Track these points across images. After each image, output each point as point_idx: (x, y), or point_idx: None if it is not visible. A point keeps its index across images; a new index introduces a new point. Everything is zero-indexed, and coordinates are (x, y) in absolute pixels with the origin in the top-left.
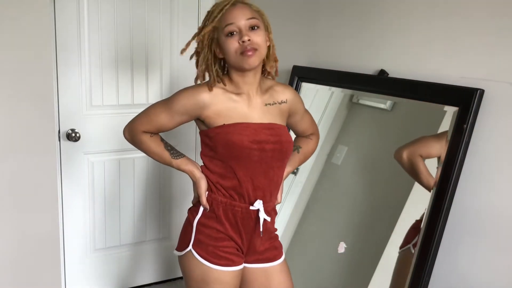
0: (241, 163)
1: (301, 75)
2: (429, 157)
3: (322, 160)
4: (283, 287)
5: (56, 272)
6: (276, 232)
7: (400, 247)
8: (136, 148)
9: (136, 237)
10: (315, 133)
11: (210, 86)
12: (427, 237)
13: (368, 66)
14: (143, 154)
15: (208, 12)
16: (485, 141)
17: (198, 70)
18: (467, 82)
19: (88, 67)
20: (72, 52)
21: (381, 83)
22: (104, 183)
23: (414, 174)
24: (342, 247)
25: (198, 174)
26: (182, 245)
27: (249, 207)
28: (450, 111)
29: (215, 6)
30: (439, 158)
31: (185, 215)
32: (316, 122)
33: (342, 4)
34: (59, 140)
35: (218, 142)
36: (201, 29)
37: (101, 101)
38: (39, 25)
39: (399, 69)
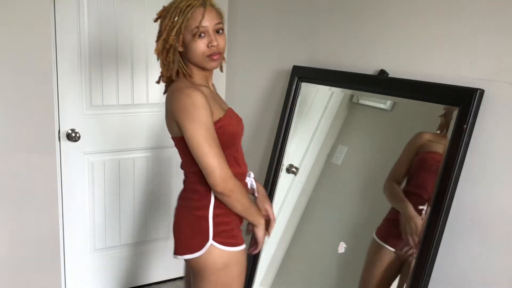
0: (236, 148)
1: (301, 75)
2: (400, 178)
3: (322, 160)
4: None
5: (56, 272)
6: None
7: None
8: (136, 148)
9: (136, 237)
10: None
11: (196, 84)
12: (427, 237)
13: (368, 66)
14: (143, 154)
15: (172, 9)
16: (485, 141)
17: (172, 68)
18: (467, 82)
19: (88, 67)
20: (72, 52)
21: (381, 83)
22: (104, 183)
23: (396, 202)
24: (342, 247)
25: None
26: (197, 244)
27: (245, 181)
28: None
29: (180, 3)
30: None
31: None
32: (316, 122)
33: (342, 4)
34: (59, 140)
35: (224, 135)
36: (172, 27)
37: (101, 101)
38: (39, 25)
39: (399, 69)
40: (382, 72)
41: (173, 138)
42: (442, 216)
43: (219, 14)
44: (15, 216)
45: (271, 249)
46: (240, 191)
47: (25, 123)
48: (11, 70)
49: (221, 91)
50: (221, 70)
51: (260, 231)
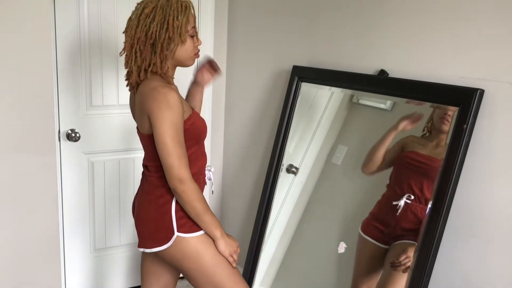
0: (201, 143)
1: (301, 75)
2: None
3: (322, 160)
4: None
5: (56, 272)
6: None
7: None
8: (136, 148)
9: (136, 237)
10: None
11: (169, 82)
12: (427, 237)
13: (368, 66)
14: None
15: (167, 5)
16: (485, 141)
17: (146, 63)
18: (467, 82)
19: (88, 67)
20: (72, 52)
21: (381, 83)
22: (104, 183)
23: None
24: (342, 247)
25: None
26: (164, 237)
27: (204, 174)
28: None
29: (177, 3)
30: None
31: None
32: (316, 122)
33: (342, 4)
34: (59, 140)
35: (196, 129)
36: (179, 26)
37: (101, 101)
38: (39, 25)
39: (399, 69)
40: (382, 72)
41: (141, 134)
42: (442, 216)
43: None
44: (15, 216)
45: (271, 248)
46: (195, 196)
47: (25, 123)
48: (11, 70)
49: (221, 91)
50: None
51: (219, 245)
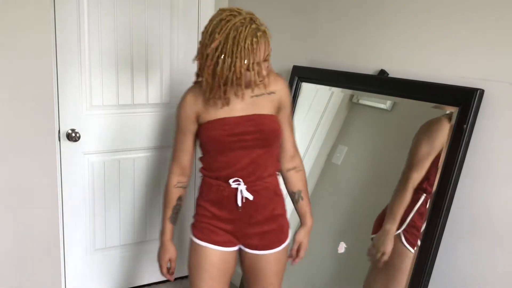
0: (224, 154)
1: (301, 75)
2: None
3: (322, 160)
4: (266, 277)
5: (56, 272)
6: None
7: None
8: (136, 148)
9: (136, 237)
10: (298, 156)
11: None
12: (427, 237)
13: (368, 66)
14: (143, 154)
15: (242, 36)
16: (485, 141)
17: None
18: (467, 82)
19: (88, 67)
20: (72, 52)
21: (381, 83)
22: (104, 183)
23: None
24: (342, 247)
25: (164, 241)
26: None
27: (231, 186)
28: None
29: (251, 36)
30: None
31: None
32: (316, 122)
33: (342, 4)
34: (59, 140)
35: (203, 138)
36: (239, 57)
37: (101, 101)
38: (39, 25)
39: (399, 69)
40: (382, 72)
41: None
42: (442, 216)
43: (269, 43)
44: (15, 216)
45: None
46: (165, 190)
47: (25, 123)
48: (11, 70)
49: None
50: (265, 88)
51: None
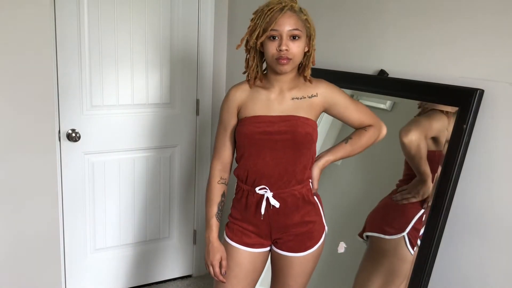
0: (252, 152)
1: None
2: (437, 137)
3: None
4: (286, 278)
5: (56, 272)
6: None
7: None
8: (136, 148)
9: (136, 237)
10: (375, 124)
11: (248, 82)
12: (427, 237)
13: (368, 66)
14: (143, 154)
15: (258, 11)
16: (485, 141)
17: (250, 67)
18: (467, 82)
19: (88, 67)
20: (72, 52)
21: (381, 83)
22: (104, 183)
23: (418, 158)
24: (342, 247)
25: (213, 239)
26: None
27: (256, 192)
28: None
29: (266, 6)
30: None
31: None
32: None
33: (342, 4)
34: (59, 140)
35: (236, 134)
36: (252, 31)
37: (101, 101)
38: (39, 25)
39: (399, 69)
40: (382, 72)
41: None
42: (442, 216)
43: (299, 21)
44: (15, 216)
45: None
46: (208, 187)
47: (25, 123)
48: (11, 70)
49: (221, 92)
50: (310, 81)
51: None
